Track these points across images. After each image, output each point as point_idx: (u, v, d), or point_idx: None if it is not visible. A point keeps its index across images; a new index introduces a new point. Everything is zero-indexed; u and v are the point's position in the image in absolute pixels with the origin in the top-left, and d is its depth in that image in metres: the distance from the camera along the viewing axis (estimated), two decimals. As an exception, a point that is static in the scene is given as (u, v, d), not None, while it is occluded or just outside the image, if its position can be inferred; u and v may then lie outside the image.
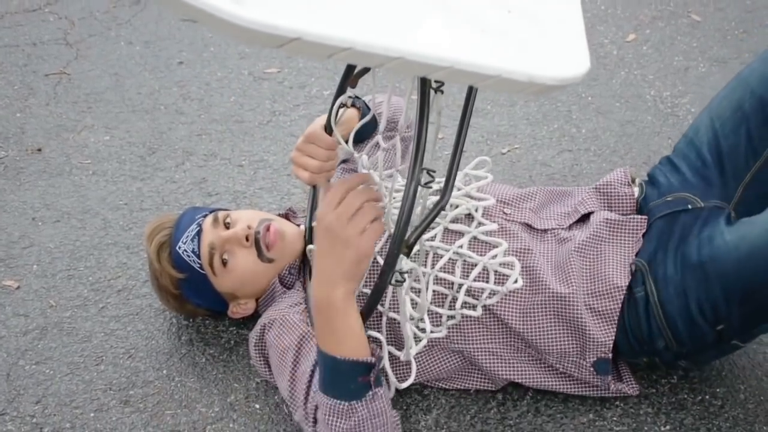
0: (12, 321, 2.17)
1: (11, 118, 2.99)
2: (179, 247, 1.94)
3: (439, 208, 1.43)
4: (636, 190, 1.95)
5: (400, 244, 1.41)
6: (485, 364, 1.81)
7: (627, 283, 1.76)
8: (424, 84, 1.33)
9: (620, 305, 1.75)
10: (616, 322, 1.75)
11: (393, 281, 1.44)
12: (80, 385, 2.00)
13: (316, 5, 0.96)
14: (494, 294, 1.73)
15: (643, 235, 1.85)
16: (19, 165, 2.74)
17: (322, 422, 1.59)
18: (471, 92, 1.42)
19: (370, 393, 1.56)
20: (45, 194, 2.61)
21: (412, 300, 1.72)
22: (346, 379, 1.56)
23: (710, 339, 1.73)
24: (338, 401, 1.56)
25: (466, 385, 1.88)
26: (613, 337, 1.75)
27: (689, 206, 1.84)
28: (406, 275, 1.46)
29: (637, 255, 1.81)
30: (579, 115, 2.87)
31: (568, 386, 1.84)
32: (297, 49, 0.94)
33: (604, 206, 1.93)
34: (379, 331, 1.76)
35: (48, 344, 2.10)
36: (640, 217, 1.86)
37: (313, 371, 1.69)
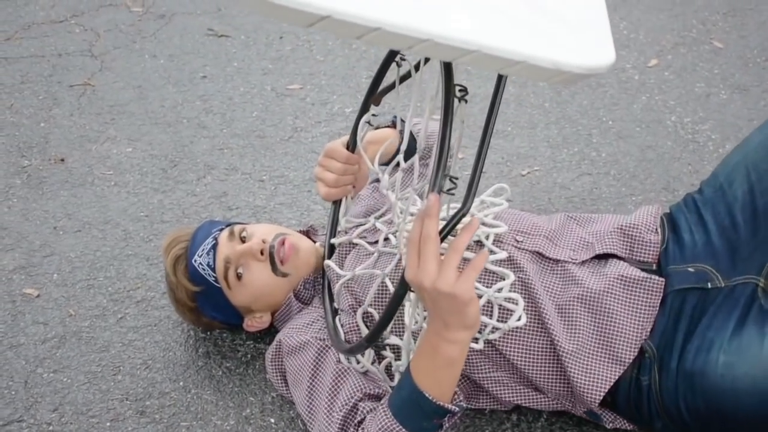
0: (31, 329, 2.18)
1: (35, 127, 3.01)
2: (195, 261, 1.95)
3: (460, 215, 1.41)
4: (657, 237, 1.85)
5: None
6: (491, 389, 1.81)
7: (633, 358, 1.72)
8: (448, 92, 1.33)
9: (618, 377, 1.72)
10: (609, 387, 1.72)
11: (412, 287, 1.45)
12: (97, 395, 2.01)
13: None
14: (496, 330, 1.72)
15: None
16: (42, 174, 2.76)
17: None
18: (500, 82, 1.41)
19: None
20: (67, 204, 2.63)
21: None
22: (423, 416, 1.58)
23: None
24: (404, 430, 1.58)
25: (478, 405, 1.87)
26: (599, 400, 1.72)
27: (709, 284, 1.74)
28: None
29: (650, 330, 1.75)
30: (599, 139, 2.88)
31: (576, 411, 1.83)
32: (326, 28, 0.94)
33: (625, 248, 1.85)
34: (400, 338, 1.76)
35: (66, 353, 2.12)
36: (657, 279, 1.75)
37: (359, 400, 1.72)
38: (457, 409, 1.58)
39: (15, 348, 2.13)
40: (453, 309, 1.44)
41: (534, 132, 2.93)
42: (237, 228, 1.98)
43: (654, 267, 1.80)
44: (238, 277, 1.93)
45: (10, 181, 2.73)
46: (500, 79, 1.41)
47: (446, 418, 1.59)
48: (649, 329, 1.72)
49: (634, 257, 1.82)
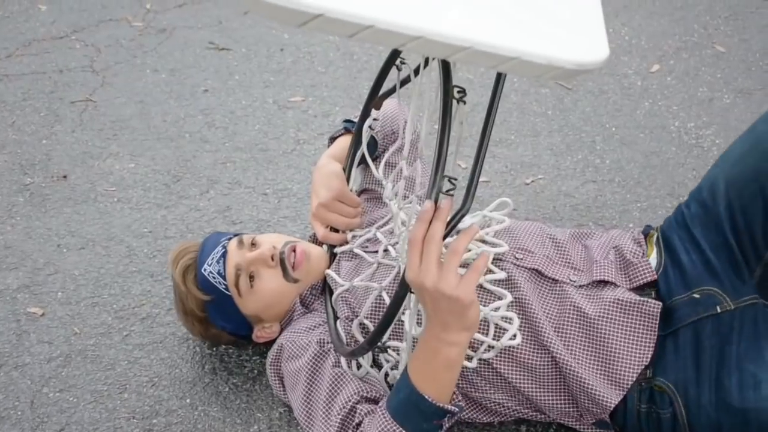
0: (36, 348, 2.17)
1: (37, 144, 3.01)
2: (204, 269, 1.94)
3: (460, 216, 1.42)
4: (653, 261, 1.81)
5: None
6: (489, 405, 1.81)
7: (632, 382, 1.70)
8: (447, 94, 1.34)
9: (618, 401, 1.70)
10: (613, 406, 1.70)
11: (412, 289, 1.46)
12: (104, 413, 2.00)
13: None
14: (491, 348, 1.71)
15: (667, 335, 1.72)
16: (45, 192, 2.76)
17: None
18: (499, 79, 1.41)
19: None
20: (70, 221, 2.62)
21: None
22: (423, 417, 1.59)
23: None
24: (404, 431, 1.59)
25: (481, 418, 1.86)
26: (610, 410, 1.71)
27: (718, 308, 1.70)
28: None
29: (661, 372, 1.71)
30: (603, 146, 2.87)
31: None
32: (319, 27, 0.94)
33: (622, 271, 1.80)
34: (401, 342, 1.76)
35: (72, 372, 2.11)
36: (654, 303, 1.72)
37: (357, 402, 1.71)
38: (456, 409, 1.59)
39: (20, 368, 2.12)
40: (454, 311, 1.46)
41: (537, 140, 2.92)
42: (246, 237, 1.98)
43: (652, 292, 1.77)
44: (250, 283, 1.92)
45: (12, 199, 2.73)
46: (499, 76, 1.41)
47: (446, 419, 1.59)
48: (649, 354, 1.70)
49: (631, 284, 1.78)
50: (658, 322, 1.71)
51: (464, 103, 1.43)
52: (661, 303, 1.72)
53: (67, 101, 3.27)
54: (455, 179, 1.37)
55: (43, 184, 2.80)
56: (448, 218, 1.41)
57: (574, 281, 1.78)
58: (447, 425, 1.61)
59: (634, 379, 1.69)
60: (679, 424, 1.70)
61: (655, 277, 1.77)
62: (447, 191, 1.37)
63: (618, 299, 1.73)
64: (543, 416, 1.81)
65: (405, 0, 1.00)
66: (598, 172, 2.75)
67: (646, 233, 1.90)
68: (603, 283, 1.78)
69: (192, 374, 2.09)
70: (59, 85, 3.38)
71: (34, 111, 3.21)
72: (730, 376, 1.64)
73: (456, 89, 1.38)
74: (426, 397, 1.55)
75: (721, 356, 1.66)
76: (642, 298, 1.73)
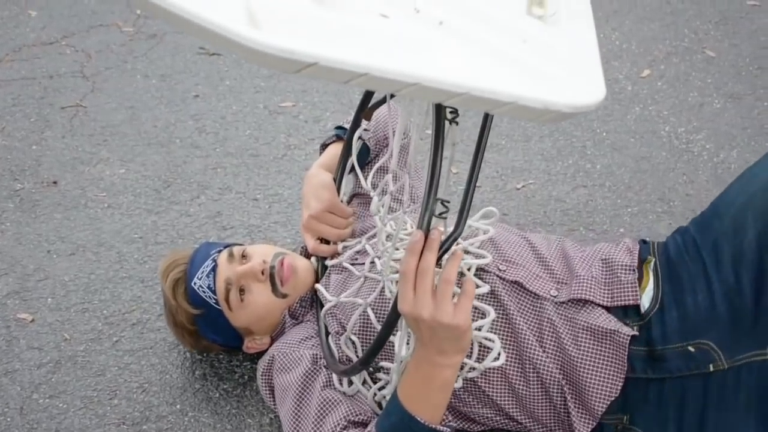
0: (26, 354, 2.17)
1: (27, 150, 3.00)
2: (194, 283, 1.93)
3: (452, 239, 1.41)
4: (649, 293, 1.70)
5: None
6: (476, 418, 1.80)
7: (602, 413, 1.67)
8: (439, 114, 1.33)
9: (591, 429, 1.69)
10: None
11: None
12: (94, 420, 1.99)
13: (333, 31, 0.97)
14: (473, 369, 1.70)
15: (652, 380, 1.66)
16: (35, 198, 2.75)
17: None
18: (487, 119, 1.41)
19: None
20: (60, 227, 2.62)
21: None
22: None
23: None
24: None
25: (469, 427, 1.85)
26: (590, 430, 1.69)
27: (711, 366, 1.60)
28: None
29: (640, 421, 1.68)
30: (594, 151, 2.87)
31: None
32: (314, 74, 0.94)
33: (606, 287, 1.73)
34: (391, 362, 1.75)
35: (62, 378, 2.10)
36: (624, 334, 1.65)
37: (344, 428, 1.69)
38: (448, 430, 1.58)
39: (10, 374, 2.11)
40: (452, 337, 1.45)
41: (528, 145, 2.92)
42: (236, 249, 1.97)
43: (644, 313, 1.69)
44: (241, 297, 1.91)
45: (2, 204, 2.72)
46: (486, 117, 1.41)
47: None
48: (619, 386, 1.65)
49: (612, 302, 1.71)
50: (626, 352, 1.65)
51: (457, 123, 1.42)
52: (630, 334, 1.65)
53: (57, 107, 3.26)
54: (448, 202, 1.36)
55: (33, 189, 2.80)
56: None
57: (555, 296, 1.73)
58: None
59: (604, 409, 1.66)
60: None
61: (638, 302, 1.69)
62: (440, 214, 1.36)
63: (590, 326, 1.67)
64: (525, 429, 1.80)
65: (400, 44, 1.00)
66: (588, 177, 2.75)
67: (644, 258, 1.78)
68: (582, 301, 1.71)
69: (182, 380, 2.08)
70: (49, 91, 3.37)
71: (24, 116, 3.21)
72: None
73: (448, 110, 1.38)
74: (419, 419, 1.53)
75: (704, 420, 1.62)
76: (614, 327, 1.66)
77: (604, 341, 1.66)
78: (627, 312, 1.70)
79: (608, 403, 1.66)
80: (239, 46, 0.90)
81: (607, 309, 1.71)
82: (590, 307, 1.70)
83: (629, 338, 1.65)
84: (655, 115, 3.06)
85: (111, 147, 3.01)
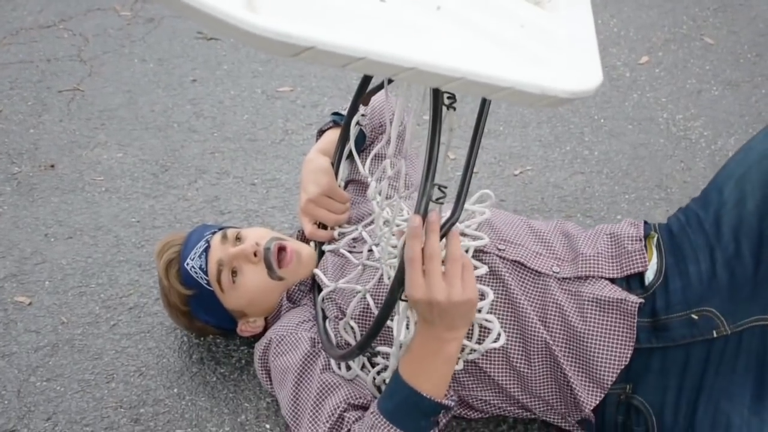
0: (23, 337, 2.17)
1: (25, 134, 3.00)
2: (187, 264, 1.94)
3: (450, 224, 1.42)
4: (653, 267, 1.72)
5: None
6: (474, 403, 1.81)
7: (612, 382, 1.67)
8: (437, 100, 1.33)
9: (599, 401, 1.69)
10: (598, 402, 1.69)
11: (402, 296, 1.46)
12: (91, 403, 2.00)
13: (330, 15, 0.97)
14: (474, 351, 1.71)
15: (655, 349, 1.67)
16: (32, 181, 2.75)
17: None
18: (484, 105, 1.42)
19: (435, 430, 1.62)
20: (57, 210, 2.62)
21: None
22: (421, 415, 1.58)
23: None
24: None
25: (468, 415, 1.86)
26: (597, 402, 1.69)
27: (714, 332, 1.62)
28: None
29: (641, 391, 1.68)
30: (591, 138, 2.87)
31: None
32: (311, 58, 0.94)
33: (613, 259, 1.75)
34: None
35: (59, 361, 2.10)
36: (632, 302, 1.66)
37: (344, 410, 1.70)
38: (452, 403, 1.60)
39: (7, 357, 2.12)
40: (464, 312, 1.48)
41: (526, 131, 2.92)
42: (230, 231, 1.97)
43: (648, 284, 1.71)
44: (233, 279, 1.92)
45: (0, 188, 2.72)
46: (484, 102, 1.41)
47: (442, 414, 1.60)
48: (629, 355, 1.66)
49: (622, 272, 1.73)
50: (636, 319, 1.66)
51: (454, 109, 1.42)
52: (639, 301, 1.67)
53: (55, 90, 3.26)
54: (445, 187, 1.37)
55: (30, 173, 2.79)
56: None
57: (557, 272, 1.74)
58: (444, 420, 1.61)
59: (614, 379, 1.67)
60: None
61: (646, 268, 1.72)
62: (437, 199, 1.37)
63: (597, 297, 1.68)
64: (528, 413, 1.81)
65: (397, 28, 1.00)
66: (586, 163, 2.75)
67: (647, 234, 1.80)
68: (586, 276, 1.73)
69: (179, 364, 2.09)
70: (47, 75, 3.37)
71: (22, 100, 3.20)
72: (705, 409, 1.61)
73: (446, 95, 1.38)
74: (425, 395, 1.55)
75: (702, 385, 1.63)
76: (621, 296, 1.68)
77: (611, 311, 1.67)
78: (631, 285, 1.72)
79: (617, 372, 1.66)
80: (236, 30, 0.90)
81: (611, 281, 1.73)
82: (593, 280, 1.72)
83: (637, 306, 1.66)
84: (653, 102, 3.06)
85: (109, 131, 3.01)
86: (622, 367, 1.67)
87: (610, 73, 3.22)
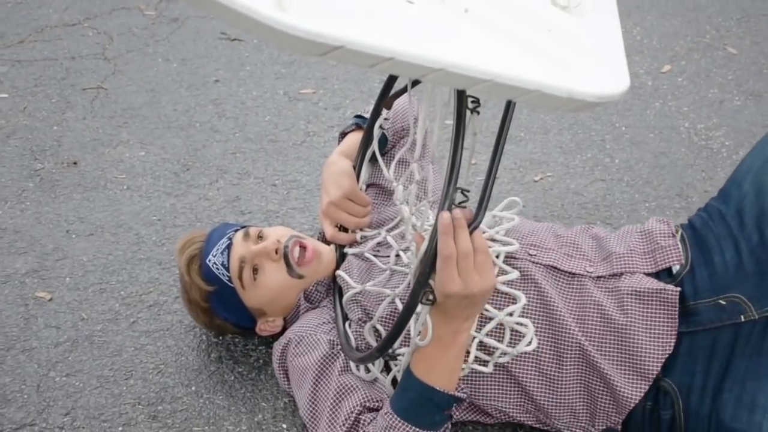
0: (44, 332, 2.18)
1: (48, 131, 3.02)
2: (209, 260, 1.95)
3: (473, 228, 1.43)
4: (680, 252, 1.75)
5: (433, 262, 1.42)
6: (490, 411, 1.80)
7: (656, 372, 1.67)
8: (460, 104, 1.33)
9: (644, 392, 1.69)
10: (640, 398, 1.69)
11: (423, 300, 1.45)
12: (109, 399, 2.01)
13: (360, 15, 0.97)
14: (505, 354, 1.71)
15: (684, 333, 1.68)
16: (55, 178, 2.77)
17: None
18: (508, 109, 1.42)
19: (448, 424, 1.63)
20: (79, 207, 2.63)
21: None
22: (435, 409, 1.60)
23: None
24: (417, 429, 1.59)
25: (480, 419, 1.86)
26: (642, 395, 1.69)
27: (742, 317, 1.65)
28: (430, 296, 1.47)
29: (669, 372, 1.69)
30: (612, 145, 2.87)
31: None
32: (339, 58, 0.94)
33: (648, 255, 1.78)
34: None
35: (78, 357, 2.11)
36: (672, 290, 1.69)
37: (360, 413, 1.71)
38: (464, 395, 1.62)
39: (27, 351, 2.13)
40: (484, 300, 1.50)
41: (547, 137, 2.92)
42: (252, 229, 1.98)
43: (675, 274, 1.74)
44: (254, 276, 1.93)
45: (23, 184, 2.74)
46: (508, 106, 1.41)
47: (453, 408, 1.61)
48: (672, 342, 1.67)
49: (657, 267, 1.75)
50: (677, 307, 1.68)
51: (478, 113, 1.43)
52: (678, 289, 1.69)
53: (79, 88, 3.28)
54: (468, 191, 1.38)
55: (53, 170, 2.81)
56: None
57: (591, 272, 1.76)
58: (456, 414, 1.63)
59: (659, 369, 1.67)
60: (676, 427, 1.69)
61: (682, 261, 1.74)
62: (460, 203, 1.38)
63: (635, 290, 1.71)
64: (541, 424, 1.80)
65: (425, 30, 1.00)
66: (607, 171, 2.75)
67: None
68: (621, 273, 1.76)
69: (198, 362, 2.10)
70: (71, 72, 3.39)
71: (46, 97, 3.22)
72: (731, 390, 1.63)
73: (470, 99, 1.38)
74: (438, 389, 1.57)
75: (729, 366, 1.65)
76: (659, 286, 1.70)
77: (652, 302, 1.69)
78: (659, 277, 1.75)
79: (662, 361, 1.68)
80: (265, 28, 0.90)
81: (645, 275, 1.75)
82: (629, 275, 1.75)
83: (677, 294, 1.69)
84: (674, 111, 3.05)
85: (131, 129, 3.03)
86: (667, 355, 1.68)
87: (632, 82, 3.22)
